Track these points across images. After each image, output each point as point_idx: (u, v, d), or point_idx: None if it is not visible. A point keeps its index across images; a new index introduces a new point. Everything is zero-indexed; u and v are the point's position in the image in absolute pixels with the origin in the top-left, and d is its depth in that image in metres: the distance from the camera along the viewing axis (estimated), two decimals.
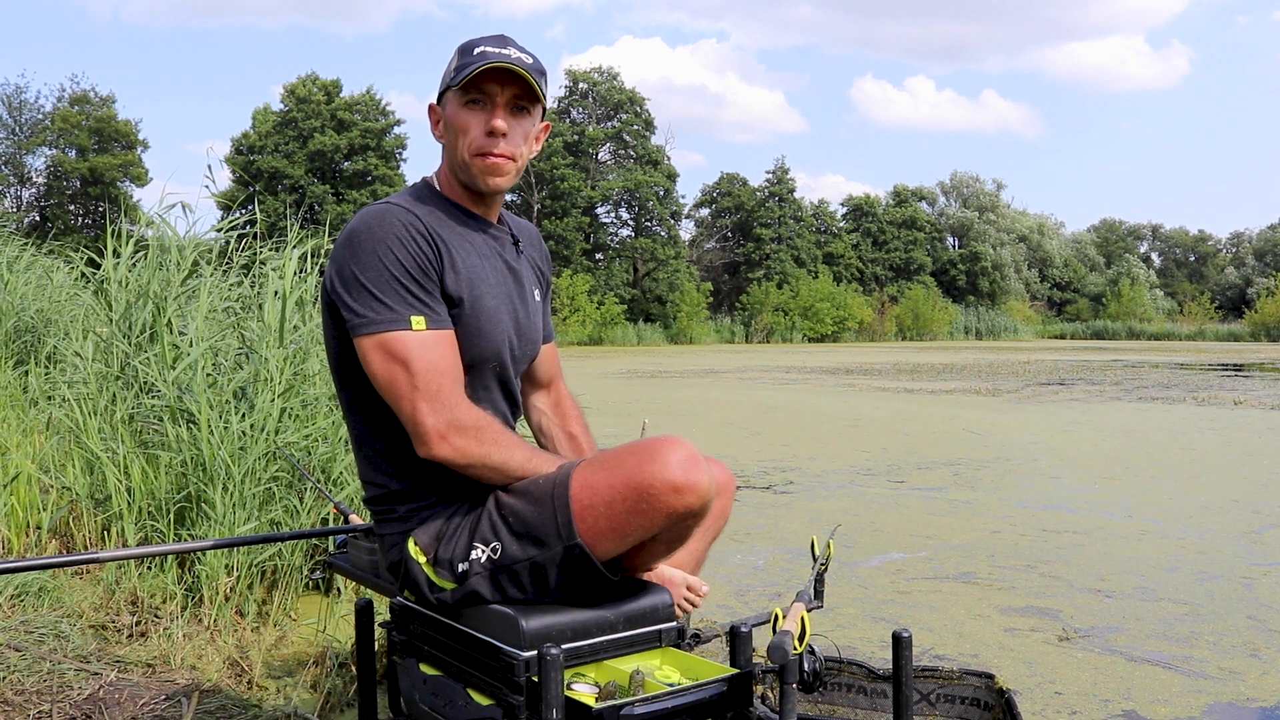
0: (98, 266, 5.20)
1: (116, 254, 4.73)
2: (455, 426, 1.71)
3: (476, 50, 1.83)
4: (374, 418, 1.84)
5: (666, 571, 1.97)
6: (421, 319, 1.74)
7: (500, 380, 1.92)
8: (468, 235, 1.89)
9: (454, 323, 1.81)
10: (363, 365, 1.77)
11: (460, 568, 1.74)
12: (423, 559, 1.79)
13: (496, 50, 1.83)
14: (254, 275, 4.92)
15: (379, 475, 1.87)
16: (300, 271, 4.59)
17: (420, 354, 1.72)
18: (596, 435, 2.27)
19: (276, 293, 4.27)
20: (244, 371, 3.99)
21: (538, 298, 2.05)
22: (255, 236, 5.08)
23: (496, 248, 1.94)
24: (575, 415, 2.22)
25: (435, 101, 1.93)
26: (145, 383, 4.12)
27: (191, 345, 4.08)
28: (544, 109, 1.93)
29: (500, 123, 1.83)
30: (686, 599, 2.01)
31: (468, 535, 1.76)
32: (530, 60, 1.85)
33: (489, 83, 1.83)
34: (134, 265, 4.78)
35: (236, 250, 5.19)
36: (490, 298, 1.86)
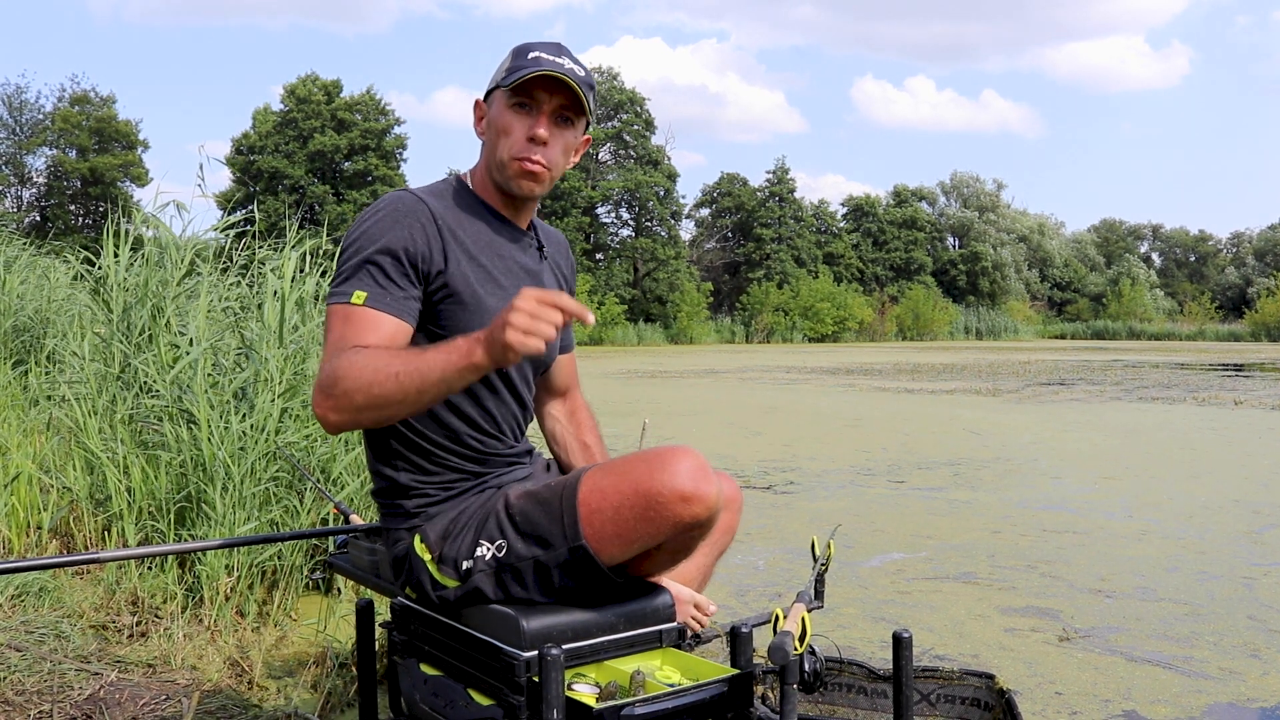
0: (93, 265, 5.19)
1: (115, 254, 4.73)
2: (320, 390, 1.64)
3: (531, 55, 1.83)
4: None
5: (674, 588, 1.96)
6: (363, 294, 1.72)
7: (506, 383, 1.91)
8: (488, 235, 1.88)
9: (453, 317, 1.80)
10: None
11: (464, 565, 1.74)
12: (428, 556, 1.80)
13: (550, 58, 1.82)
14: (253, 275, 4.92)
15: (387, 468, 1.87)
16: (300, 271, 4.59)
17: (342, 328, 1.71)
18: None
19: (275, 293, 4.27)
20: (245, 372, 3.99)
21: None
22: (254, 236, 5.06)
23: (517, 251, 1.93)
24: (590, 425, 2.21)
25: (482, 98, 1.93)
26: (145, 383, 4.12)
27: (191, 345, 4.08)
28: (588, 123, 1.93)
29: (543, 131, 1.83)
30: (694, 618, 2.00)
31: (474, 533, 1.76)
32: (582, 73, 1.85)
33: (538, 89, 1.82)
34: (131, 265, 4.77)
35: (236, 250, 5.19)
36: (498, 298, 1.85)
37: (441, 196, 1.87)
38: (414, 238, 1.77)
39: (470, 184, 1.94)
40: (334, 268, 1.82)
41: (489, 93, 1.91)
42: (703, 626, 2.03)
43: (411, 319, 1.76)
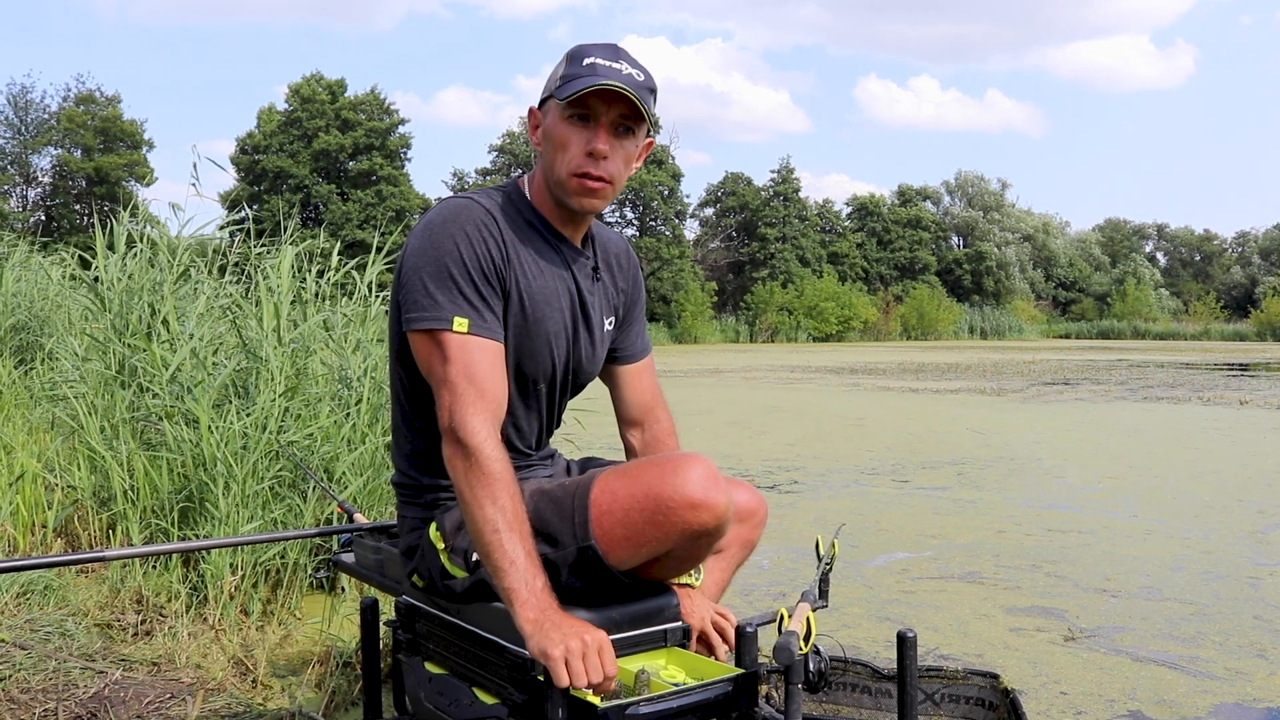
0: (87, 265, 5.19)
1: (111, 250, 4.73)
2: (457, 440, 1.67)
3: (586, 60, 1.76)
4: (418, 409, 1.86)
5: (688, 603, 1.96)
6: (465, 321, 1.71)
7: (536, 401, 1.90)
8: (544, 255, 1.84)
9: (512, 333, 1.79)
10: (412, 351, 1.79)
11: (474, 557, 1.74)
12: (440, 545, 1.81)
13: (607, 64, 1.75)
14: (250, 274, 4.91)
15: (409, 462, 1.89)
16: (298, 269, 4.58)
17: (456, 356, 1.70)
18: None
19: (273, 291, 4.27)
20: (227, 369, 3.98)
21: (608, 327, 1.99)
22: (248, 234, 5.04)
23: (572, 273, 1.88)
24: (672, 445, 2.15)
25: (536, 106, 1.86)
26: (143, 383, 4.12)
27: (189, 342, 4.08)
28: (650, 127, 1.84)
29: (603, 145, 1.76)
30: (716, 628, 1.96)
31: None
32: (641, 77, 1.78)
33: (595, 100, 1.75)
34: (125, 262, 4.77)
35: (233, 249, 5.18)
36: (550, 322, 1.83)
37: (502, 209, 1.82)
38: (490, 253, 1.75)
39: (528, 193, 1.88)
40: (403, 277, 1.77)
41: (543, 101, 1.83)
42: (717, 649, 1.97)
43: (503, 337, 1.77)
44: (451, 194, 1.91)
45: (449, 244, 1.73)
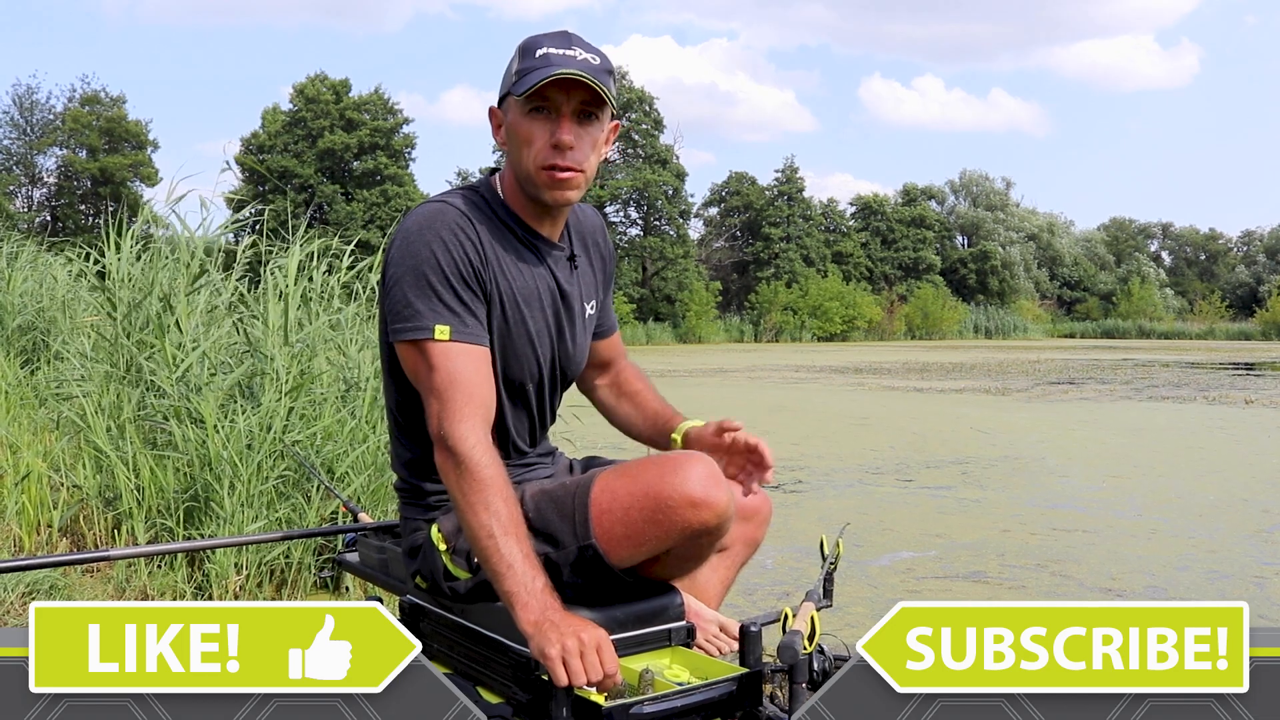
0: (92, 261, 5.20)
1: (122, 249, 4.74)
2: (447, 448, 1.66)
3: (539, 52, 1.73)
4: (410, 417, 1.85)
5: (694, 604, 1.95)
6: (447, 329, 1.70)
7: (525, 401, 1.90)
8: (521, 254, 1.83)
9: (495, 333, 1.79)
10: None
11: (475, 558, 1.74)
12: (443, 546, 1.81)
13: (560, 52, 1.72)
14: (259, 274, 4.92)
15: (410, 474, 1.89)
16: (302, 270, 4.59)
17: (440, 364, 1.70)
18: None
19: (280, 292, 4.27)
20: (237, 371, 3.98)
21: (590, 312, 1.99)
22: (262, 235, 5.06)
23: (550, 268, 1.87)
24: (635, 374, 2.18)
25: (496, 105, 1.84)
26: (150, 382, 4.12)
27: (196, 344, 4.08)
28: (613, 110, 1.83)
29: (567, 136, 1.73)
30: (717, 638, 1.97)
31: None
32: (597, 61, 1.75)
33: (553, 90, 1.72)
34: (135, 261, 4.78)
35: (244, 249, 5.19)
36: (532, 322, 1.83)
37: (478, 209, 1.81)
38: (469, 256, 1.74)
39: (500, 192, 1.86)
40: (384, 286, 1.78)
41: (503, 99, 1.81)
42: (722, 652, 1.98)
43: (487, 340, 1.76)
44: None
45: (425, 251, 1.72)
